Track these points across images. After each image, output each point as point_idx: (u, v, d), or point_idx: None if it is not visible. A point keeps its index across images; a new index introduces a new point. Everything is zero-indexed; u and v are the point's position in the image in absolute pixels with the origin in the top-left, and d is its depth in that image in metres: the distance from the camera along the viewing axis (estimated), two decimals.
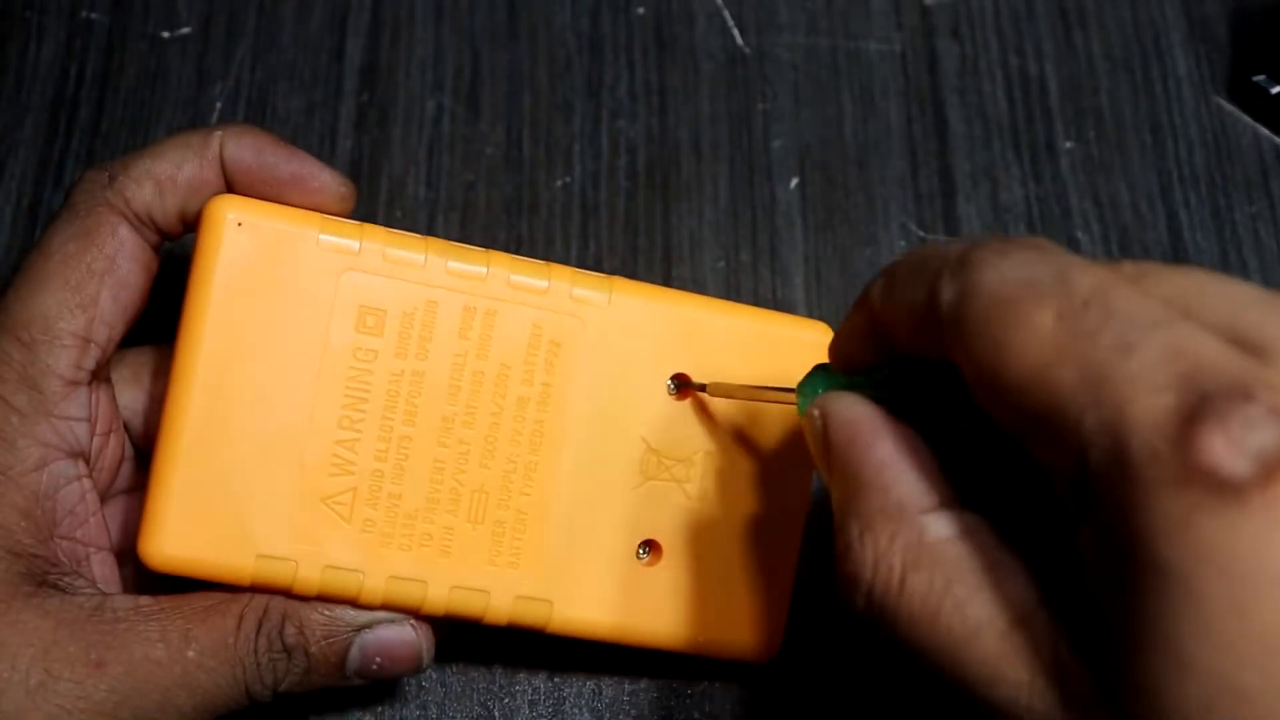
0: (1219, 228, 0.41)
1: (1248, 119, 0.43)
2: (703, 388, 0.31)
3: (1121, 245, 0.41)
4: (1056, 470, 0.21)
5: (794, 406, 0.28)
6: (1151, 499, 0.18)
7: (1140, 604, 0.19)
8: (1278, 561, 0.17)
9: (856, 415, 0.24)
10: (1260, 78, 0.42)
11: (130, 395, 0.31)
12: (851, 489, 0.24)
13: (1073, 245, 0.40)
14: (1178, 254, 0.41)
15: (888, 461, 0.24)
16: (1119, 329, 0.19)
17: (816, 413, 0.25)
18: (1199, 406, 0.18)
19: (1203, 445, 0.18)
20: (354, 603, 0.29)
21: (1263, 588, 0.18)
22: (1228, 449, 0.18)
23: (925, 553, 0.22)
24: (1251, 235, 0.41)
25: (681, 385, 0.31)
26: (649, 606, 0.31)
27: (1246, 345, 0.19)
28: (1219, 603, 0.18)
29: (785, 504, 0.32)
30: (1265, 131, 0.42)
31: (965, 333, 0.21)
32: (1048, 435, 0.20)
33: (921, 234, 0.40)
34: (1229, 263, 0.40)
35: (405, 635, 0.29)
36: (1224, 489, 0.18)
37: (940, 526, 0.23)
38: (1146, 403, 0.19)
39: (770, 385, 0.30)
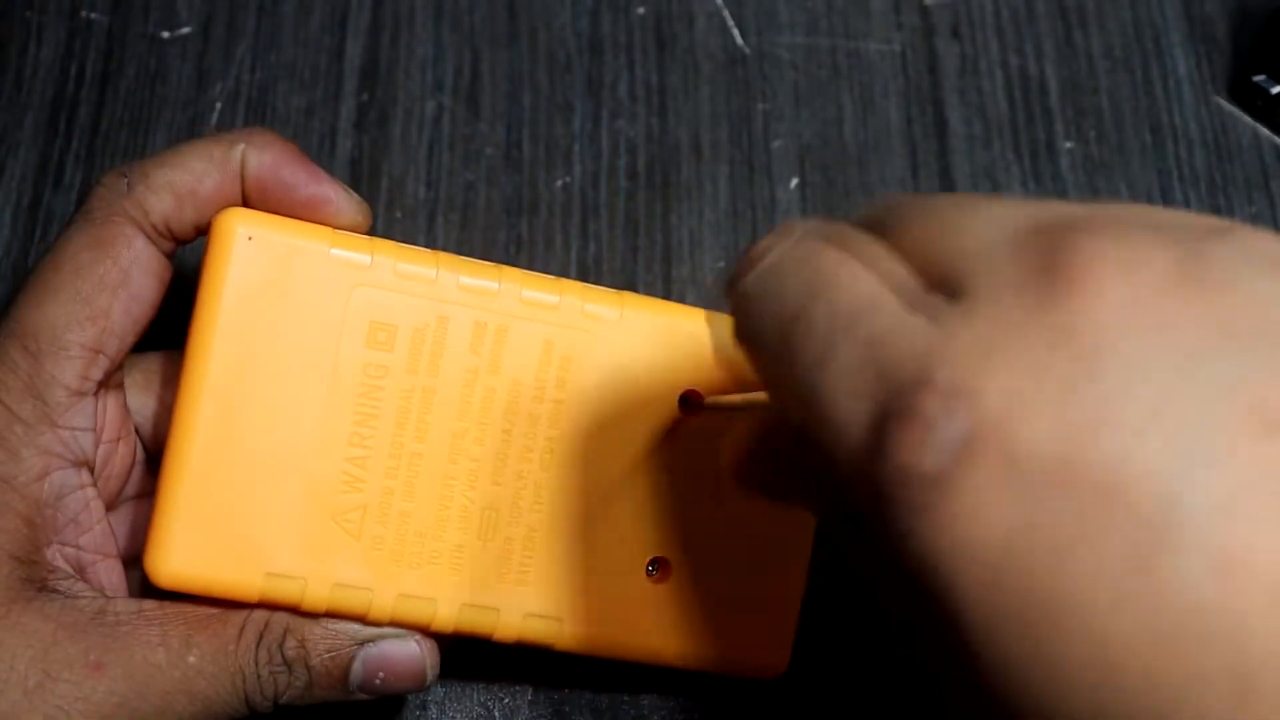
0: None
1: (1248, 119, 0.43)
2: (702, 402, 0.31)
3: None
4: None
5: None
6: (882, 515, 0.18)
7: (928, 639, 0.18)
8: (993, 535, 0.17)
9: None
10: (1260, 78, 0.42)
11: (142, 400, 0.31)
12: None
13: None
14: None
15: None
16: (819, 338, 0.19)
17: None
18: (887, 410, 0.18)
19: (896, 452, 0.18)
20: (362, 620, 0.29)
21: (992, 564, 0.17)
22: (916, 451, 0.17)
23: None
24: None
25: (689, 403, 0.31)
26: (658, 624, 0.31)
27: (946, 287, 0.19)
28: (974, 593, 0.17)
29: (793, 520, 0.32)
30: (1265, 131, 0.42)
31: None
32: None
33: None
34: None
35: (409, 650, 0.29)
36: (927, 486, 0.17)
37: None
38: (847, 419, 0.18)
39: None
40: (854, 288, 0.20)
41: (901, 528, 0.18)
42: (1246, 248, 0.18)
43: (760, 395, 0.29)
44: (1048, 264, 0.18)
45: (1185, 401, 0.17)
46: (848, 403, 0.18)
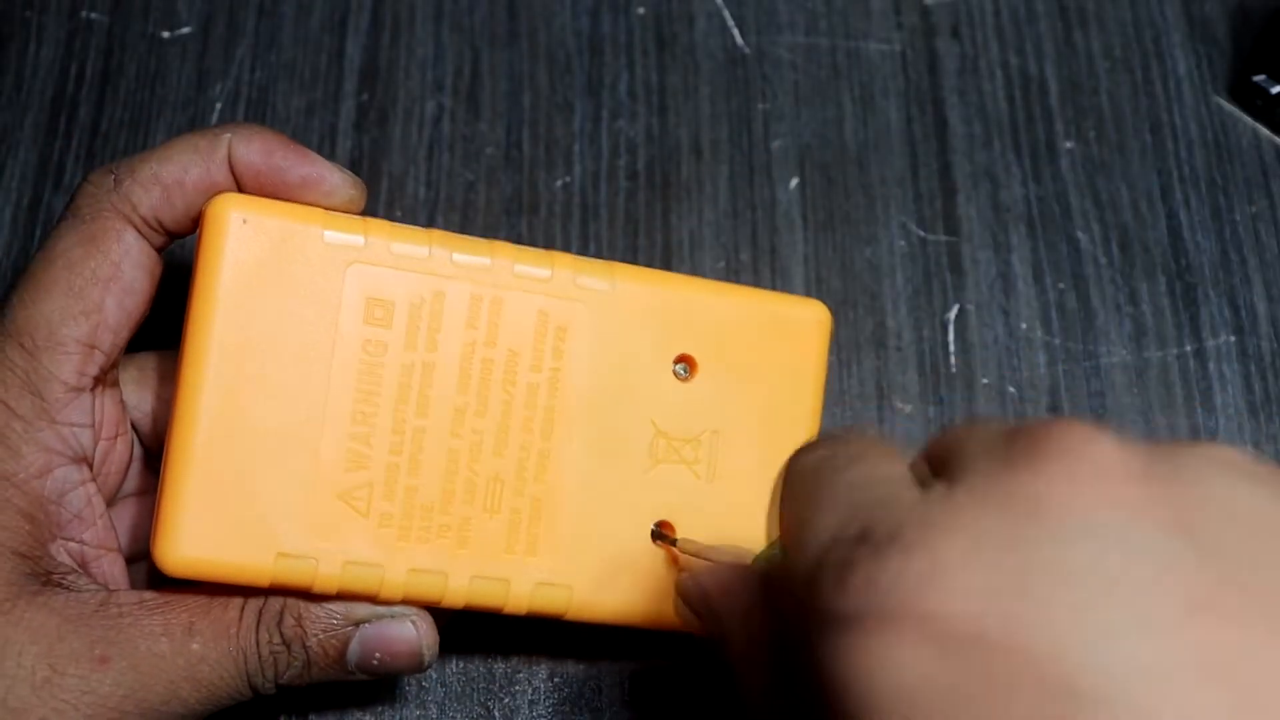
0: (1219, 228, 0.41)
1: (1248, 119, 0.43)
2: (674, 541, 0.31)
3: (1122, 245, 0.41)
4: None
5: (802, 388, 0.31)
6: (813, 644, 0.20)
7: None
8: (902, 681, 0.18)
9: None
10: (1260, 78, 0.42)
11: (138, 397, 0.31)
12: None
13: (1073, 245, 0.40)
14: (1177, 254, 0.41)
15: None
16: (837, 485, 0.22)
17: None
18: (836, 552, 0.20)
19: (825, 589, 0.20)
20: (375, 598, 0.29)
21: (898, 709, 0.18)
22: (839, 592, 0.19)
23: None
24: (1251, 235, 0.41)
25: (684, 367, 0.31)
26: (664, 588, 0.31)
27: (943, 473, 0.21)
28: None
29: None
30: (1265, 131, 0.42)
31: None
32: None
33: (921, 234, 0.40)
34: (1229, 262, 0.40)
35: (405, 632, 0.29)
36: (849, 625, 0.19)
37: None
38: (813, 551, 0.21)
39: (733, 548, 0.30)
40: (880, 465, 0.22)
41: (824, 661, 0.19)
42: (1212, 456, 0.20)
43: (731, 549, 0.30)
44: (1024, 449, 0.20)
45: (1120, 579, 0.18)
46: (818, 535, 0.21)
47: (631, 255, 0.40)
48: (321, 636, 0.29)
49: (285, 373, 0.29)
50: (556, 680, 0.35)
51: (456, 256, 0.30)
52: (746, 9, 0.43)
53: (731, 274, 0.39)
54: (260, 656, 0.28)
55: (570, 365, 0.31)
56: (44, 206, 0.39)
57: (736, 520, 0.32)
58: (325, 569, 0.29)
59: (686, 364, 0.32)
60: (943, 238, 0.40)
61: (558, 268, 0.31)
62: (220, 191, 0.29)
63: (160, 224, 0.29)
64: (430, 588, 0.30)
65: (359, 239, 0.29)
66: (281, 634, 0.29)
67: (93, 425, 0.29)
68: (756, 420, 0.32)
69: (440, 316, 0.30)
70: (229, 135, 0.29)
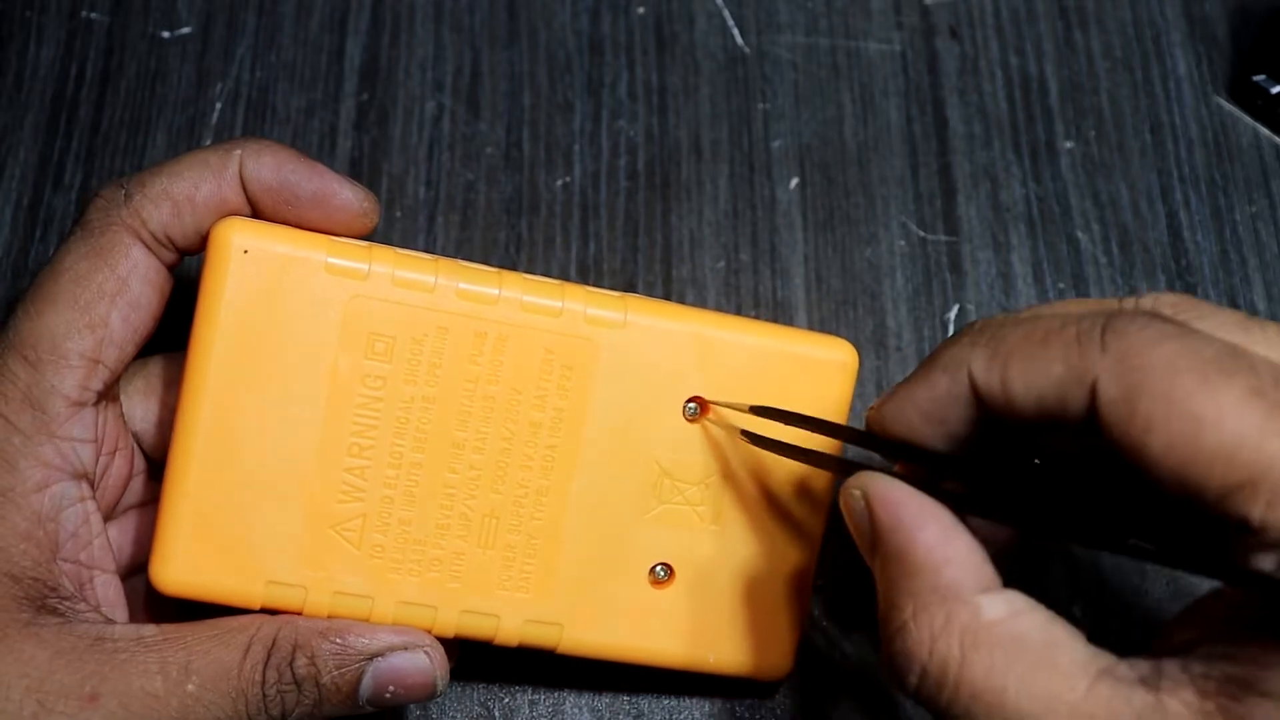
0: (1219, 228, 0.41)
1: (1248, 119, 0.43)
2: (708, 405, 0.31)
3: (1121, 245, 0.41)
4: (1258, 523, 0.21)
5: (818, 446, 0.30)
6: None
7: None
8: None
9: (900, 496, 0.25)
10: (1260, 78, 0.42)
11: (144, 407, 0.31)
12: (901, 570, 0.25)
13: (1073, 245, 0.40)
14: (1177, 254, 0.41)
15: (936, 544, 0.24)
16: None
17: (858, 492, 0.26)
18: None
19: None
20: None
21: None
22: None
23: (984, 633, 0.23)
24: (1251, 235, 0.41)
25: (695, 408, 0.31)
26: (661, 628, 0.31)
27: None
28: None
29: (799, 525, 0.32)
30: (1265, 131, 0.42)
31: (1142, 409, 0.22)
32: (1260, 495, 0.21)
33: (921, 234, 0.40)
34: (1229, 262, 0.40)
35: (419, 663, 0.29)
36: None
37: (995, 607, 0.24)
38: None
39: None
40: None
41: None
42: None
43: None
44: None
45: None
46: None
47: (631, 255, 0.40)
48: (335, 674, 0.28)
49: (283, 404, 0.29)
50: (556, 681, 0.35)
51: (462, 286, 0.29)
52: (746, 9, 0.43)
53: (731, 274, 0.39)
54: (265, 697, 0.28)
55: (575, 404, 0.30)
56: (44, 206, 0.39)
57: (739, 562, 0.32)
58: (314, 598, 0.29)
59: (698, 404, 0.31)
60: (943, 238, 0.40)
61: (568, 300, 0.30)
62: (231, 209, 0.29)
63: (170, 240, 0.29)
64: (419, 620, 0.29)
65: (363, 267, 0.29)
66: (294, 673, 0.28)
67: (95, 440, 0.29)
68: (764, 464, 0.31)
69: (442, 352, 0.29)
70: (240, 151, 0.29)
